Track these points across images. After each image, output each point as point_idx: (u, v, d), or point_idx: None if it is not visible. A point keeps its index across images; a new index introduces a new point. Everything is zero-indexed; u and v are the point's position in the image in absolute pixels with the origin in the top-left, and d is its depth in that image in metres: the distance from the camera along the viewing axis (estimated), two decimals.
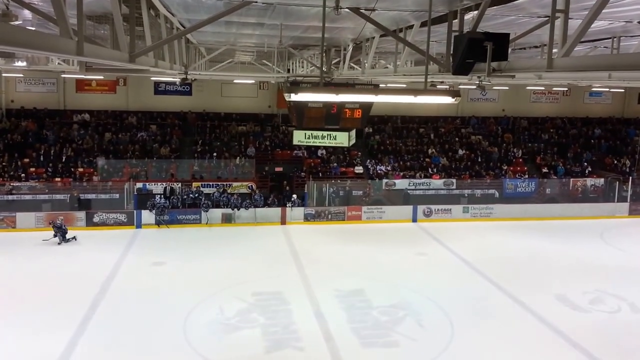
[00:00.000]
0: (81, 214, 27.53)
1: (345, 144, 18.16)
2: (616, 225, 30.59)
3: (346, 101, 16.29)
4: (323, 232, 27.99)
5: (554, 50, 7.44)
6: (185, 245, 25.14)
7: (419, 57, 18.53)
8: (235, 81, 34.20)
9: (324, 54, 20.14)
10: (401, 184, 33.24)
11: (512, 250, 25.31)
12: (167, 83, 35.44)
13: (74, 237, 24.83)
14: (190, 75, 19.89)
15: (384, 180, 33.34)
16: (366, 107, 17.39)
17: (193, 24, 14.12)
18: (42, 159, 32.26)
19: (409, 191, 32.79)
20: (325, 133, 17.86)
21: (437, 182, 33.68)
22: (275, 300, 18.66)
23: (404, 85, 27.04)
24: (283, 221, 29.21)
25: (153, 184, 30.58)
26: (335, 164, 34.72)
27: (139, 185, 30.33)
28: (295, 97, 8.57)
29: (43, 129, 34.56)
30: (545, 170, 36.63)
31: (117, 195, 29.63)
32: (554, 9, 7.25)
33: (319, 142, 18.46)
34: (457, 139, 38.89)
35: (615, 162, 38.02)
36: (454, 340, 16.06)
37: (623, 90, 38.43)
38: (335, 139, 17.85)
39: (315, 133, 17.94)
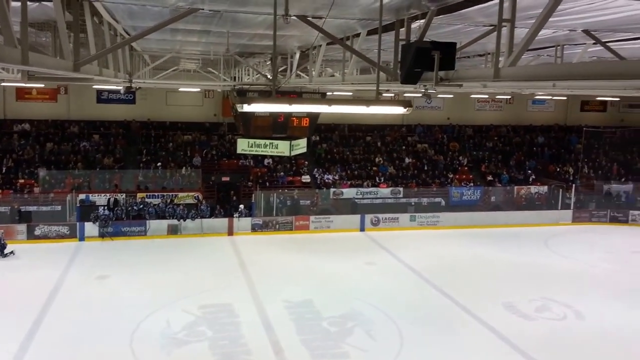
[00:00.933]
0: (22, 227, 26.68)
1: (287, 153, 17.99)
2: (560, 232, 31.22)
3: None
4: (271, 243, 27.78)
5: (500, 59, 7.46)
6: (131, 257, 24.62)
7: (365, 65, 18.56)
8: (180, 89, 33.66)
9: (271, 62, 20.00)
10: (349, 192, 33.31)
11: (459, 259, 25.55)
12: (110, 91, 34.71)
13: (12, 252, 24.04)
14: (134, 83, 19.53)
15: (332, 190, 33.34)
16: (314, 115, 17.36)
17: (138, 32, 13.87)
18: None
19: (356, 200, 32.85)
20: (267, 142, 17.68)
21: (385, 191, 33.85)
22: (224, 313, 18.42)
23: (351, 94, 27.16)
24: (230, 232, 28.89)
25: (96, 195, 29.84)
26: (282, 173, 34.58)
27: (82, 196, 29.57)
28: (248, 108, 8.40)
29: None
30: (490, 178, 37.22)
31: (59, 207, 28.76)
32: (500, 19, 7.29)
33: (262, 151, 18.27)
34: (403, 147, 39.21)
35: (559, 169, 38.88)
36: (403, 349, 16.07)
37: (565, 98, 39.33)
38: (276, 147, 17.67)
39: (258, 142, 17.76)
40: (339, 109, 9.59)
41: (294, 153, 18.19)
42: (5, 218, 27.57)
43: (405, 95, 27.87)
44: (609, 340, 17.08)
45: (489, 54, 16.50)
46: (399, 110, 8.63)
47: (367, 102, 8.96)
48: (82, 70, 9.46)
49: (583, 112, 44.61)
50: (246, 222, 29.40)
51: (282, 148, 17.52)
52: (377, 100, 9.08)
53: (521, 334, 17.16)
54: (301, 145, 18.34)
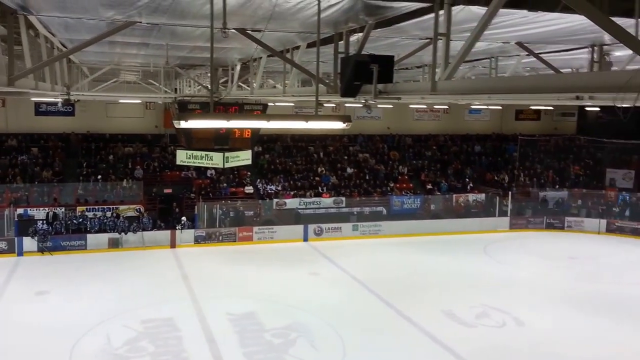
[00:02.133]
0: None
1: (220, 165, 17.88)
2: (498, 239, 31.81)
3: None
4: (214, 254, 27.57)
5: (437, 70, 7.63)
6: (70, 272, 24.09)
7: (306, 77, 18.69)
8: (120, 101, 33.25)
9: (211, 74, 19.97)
10: (292, 203, 33.37)
11: (401, 267, 25.78)
12: (48, 103, 33.98)
13: None
14: (72, 96, 19.21)
15: (275, 200, 33.33)
16: (256, 127, 17.36)
17: (75, 44, 13.66)
18: None
19: (299, 210, 32.92)
20: (203, 153, 17.59)
21: (327, 201, 34.05)
22: (166, 327, 18.17)
23: (293, 104, 27.26)
24: (173, 244, 28.55)
25: (35, 209, 29.13)
26: (225, 185, 34.40)
27: (20, 211, 28.84)
28: (185, 125, 8.38)
29: None
30: (429, 186, 37.77)
31: None
32: (436, 33, 7.44)
33: (198, 163, 18.16)
34: (345, 157, 39.50)
35: (496, 177, 39.73)
36: (345, 359, 16.14)
37: (500, 108, 40.27)
38: (211, 159, 17.58)
39: (195, 153, 17.67)
40: (278, 124, 9.66)
41: (228, 165, 18.01)
42: None
43: (347, 105, 28.09)
44: (548, 345, 17.39)
45: (426, 65, 16.80)
46: (338, 125, 8.73)
47: (306, 117, 9.02)
48: (17, 85, 9.30)
49: (518, 121, 45.88)
50: (189, 234, 29.10)
51: (216, 160, 17.41)
52: (316, 115, 9.16)
53: (462, 341, 17.38)
54: (241, 158, 18.25)
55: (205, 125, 10.17)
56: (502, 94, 7.51)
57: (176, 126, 8.69)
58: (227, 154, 17.23)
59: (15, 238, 26.84)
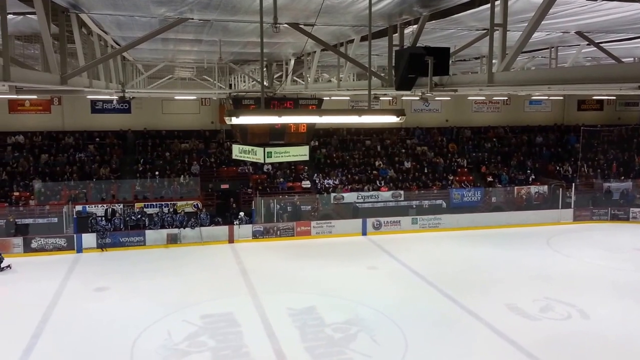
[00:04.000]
0: (18, 240, 26.42)
1: (261, 161, 17.64)
2: (562, 231, 30.99)
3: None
4: (272, 249, 27.58)
5: (494, 62, 7.36)
6: (130, 268, 24.42)
7: (361, 70, 18.44)
8: (175, 98, 33.52)
9: (266, 69, 19.89)
10: (350, 197, 33.17)
11: (462, 260, 25.35)
12: (104, 101, 34.45)
13: (9, 266, 23.83)
14: (127, 93, 19.37)
15: (332, 194, 33.18)
16: (309, 122, 17.17)
17: (128, 42, 13.71)
18: None
19: (357, 204, 32.69)
20: (249, 148, 17.43)
21: (386, 194, 33.72)
22: (225, 322, 18.21)
23: (348, 98, 27.01)
24: (231, 239, 28.71)
25: (93, 206, 29.66)
26: (282, 179, 34.39)
27: (79, 207, 29.38)
28: (236, 121, 8.24)
29: None
30: (490, 179, 37.00)
31: (56, 219, 28.58)
32: (492, 23, 7.18)
33: (245, 157, 18.02)
34: (403, 150, 39.02)
35: (558, 169, 38.67)
36: (407, 354, 15.87)
37: (562, 98, 39.19)
38: (255, 154, 17.39)
39: (245, 147, 17.54)
40: (331, 119, 9.42)
41: (270, 160, 17.79)
42: (1, 231, 27.39)
43: (403, 98, 27.70)
44: (614, 339, 16.87)
45: (484, 56, 16.36)
46: (392, 119, 8.46)
47: (360, 112, 8.78)
48: (70, 83, 9.32)
49: (580, 112, 44.56)
50: (247, 229, 29.20)
51: (258, 155, 17.22)
52: (370, 109, 8.90)
53: (526, 335, 16.95)
54: (292, 153, 17.96)
55: (256, 121, 10.00)
56: (562, 85, 7.21)
57: (228, 122, 8.53)
58: (269, 150, 16.99)
59: (75, 235, 27.27)
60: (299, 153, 18.08)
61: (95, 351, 16.20)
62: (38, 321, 18.31)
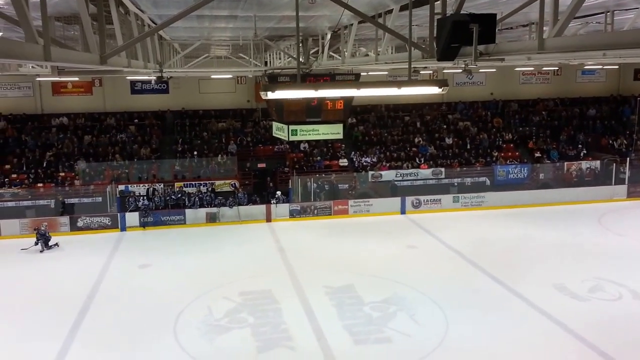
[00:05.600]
0: (65, 219, 27.03)
1: (285, 139, 17.37)
2: (614, 208, 29.94)
3: None
4: (310, 228, 27.50)
5: (545, 29, 6.97)
6: (171, 246, 24.78)
7: (400, 43, 18.04)
8: (212, 77, 33.57)
9: (301, 45, 19.61)
10: (388, 175, 32.70)
11: (506, 240, 24.81)
12: (143, 82, 34.70)
13: (57, 244, 24.41)
14: (165, 73, 19.37)
15: (370, 173, 32.79)
16: (348, 98, 16.86)
17: (164, 20, 13.59)
18: (23, 165, 31.71)
19: (396, 182, 32.25)
20: (282, 125, 17.15)
21: (425, 172, 33.13)
22: (264, 299, 18.32)
23: (386, 73, 26.59)
24: (268, 218, 28.68)
25: (135, 185, 30.01)
26: (319, 158, 34.15)
27: (121, 187, 29.80)
28: (272, 96, 8.03)
29: (22, 134, 33.92)
30: (537, 154, 35.82)
31: (100, 199, 29.08)
32: None
33: (279, 135, 17.75)
34: (444, 126, 38.14)
35: (612, 142, 37.14)
36: (448, 334, 15.64)
37: (617, 67, 37.64)
38: (283, 131, 17.08)
39: (280, 125, 17.29)
40: (368, 92, 9.13)
41: (294, 138, 17.50)
42: (49, 211, 27.97)
43: (445, 71, 27.11)
44: None
45: (532, 24, 15.79)
46: (434, 90, 8.15)
47: (399, 83, 8.45)
48: (110, 63, 9.30)
49: (637, 81, 42.14)
50: (284, 208, 29.15)
51: (285, 132, 16.95)
52: (410, 81, 8.57)
53: (574, 316, 16.51)
54: (323, 131, 17.60)
55: (292, 95, 9.73)
56: (618, 50, 6.79)
57: (263, 97, 8.34)
58: (293, 127, 16.71)
59: (118, 214, 27.79)
60: (331, 131, 17.71)
61: (140, 326, 16.60)
62: (85, 297, 18.86)
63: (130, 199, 28.29)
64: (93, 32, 8.76)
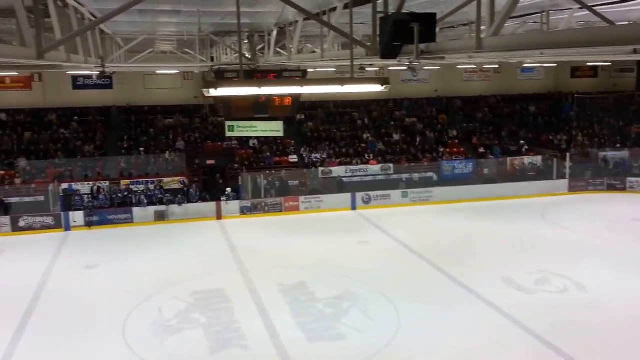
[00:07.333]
0: (5, 219, 26.24)
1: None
2: (557, 202, 30.64)
3: None
4: (261, 225, 27.36)
5: (483, 28, 7.05)
6: (118, 245, 24.29)
7: (347, 40, 18.06)
8: (157, 72, 33.00)
9: (247, 41, 19.44)
10: (338, 171, 32.78)
11: (454, 234, 25.12)
12: (85, 77, 33.82)
13: None
14: (108, 68, 18.98)
15: (320, 169, 32.83)
16: (296, 94, 16.85)
17: (105, 14, 13.32)
18: None
19: (343, 178, 32.28)
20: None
21: (375, 168, 33.38)
22: (216, 299, 18.18)
23: (334, 69, 26.59)
24: (219, 216, 28.45)
25: (79, 184, 29.32)
26: (268, 154, 34.03)
27: (65, 185, 29.05)
28: (214, 93, 7.92)
29: None
30: (482, 150, 36.51)
31: (42, 198, 28.26)
32: None
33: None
34: (391, 122, 38.53)
35: (552, 138, 38.06)
36: (401, 328, 15.76)
37: (555, 65, 38.56)
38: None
39: (234, 124, 17.23)
40: (312, 89, 9.09)
41: (231, 134, 17.46)
42: None
43: (390, 69, 27.21)
44: (611, 310, 16.71)
45: (472, 23, 15.99)
46: (376, 88, 8.16)
47: (342, 80, 8.44)
48: (48, 57, 8.99)
49: (574, 79, 43.82)
50: (234, 205, 28.94)
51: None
52: (353, 78, 8.56)
53: (521, 308, 16.80)
54: (260, 128, 17.59)
55: (236, 92, 9.64)
56: (554, 49, 6.92)
57: (205, 95, 8.21)
58: (230, 124, 16.71)
59: (62, 213, 27.09)
60: (270, 128, 17.71)
61: (88, 329, 16.21)
62: (29, 300, 18.36)
63: (75, 197, 27.66)
64: (30, 26, 8.48)
